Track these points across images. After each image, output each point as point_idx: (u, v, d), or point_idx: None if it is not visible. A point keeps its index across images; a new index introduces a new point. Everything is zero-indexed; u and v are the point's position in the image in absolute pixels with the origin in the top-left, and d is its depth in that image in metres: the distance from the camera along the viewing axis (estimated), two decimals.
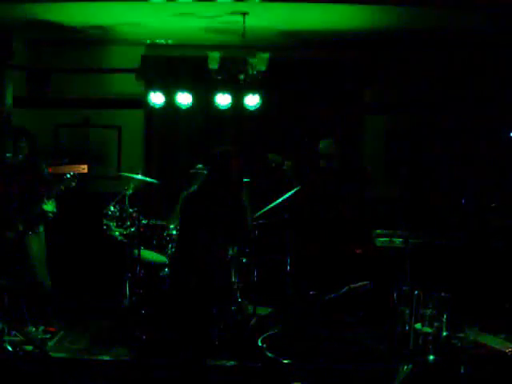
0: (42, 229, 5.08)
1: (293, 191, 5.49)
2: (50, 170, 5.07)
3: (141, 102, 6.69)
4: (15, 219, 4.86)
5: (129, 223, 5.24)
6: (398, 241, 5.13)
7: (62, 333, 5.06)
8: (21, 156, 4.97)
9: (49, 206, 4.93)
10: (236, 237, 4.06)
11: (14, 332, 4.66)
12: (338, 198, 5.70)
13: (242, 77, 5.53)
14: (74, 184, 4.95)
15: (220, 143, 6.77)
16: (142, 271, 5.20)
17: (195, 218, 3.94)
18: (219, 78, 5.55)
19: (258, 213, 5.41)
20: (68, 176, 4.92)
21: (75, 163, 5.10)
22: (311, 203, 5.83)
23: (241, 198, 3.99)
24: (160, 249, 5.27)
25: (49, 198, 4.91)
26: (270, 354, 4.26)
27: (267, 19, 5.53)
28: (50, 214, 4.97)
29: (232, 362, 4.58)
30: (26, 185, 4.93)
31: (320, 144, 5.87)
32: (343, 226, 5.61)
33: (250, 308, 5.33)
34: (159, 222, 5.32)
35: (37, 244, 5.02)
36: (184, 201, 4.10)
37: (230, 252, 5.25)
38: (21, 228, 4.88)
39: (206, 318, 4.00)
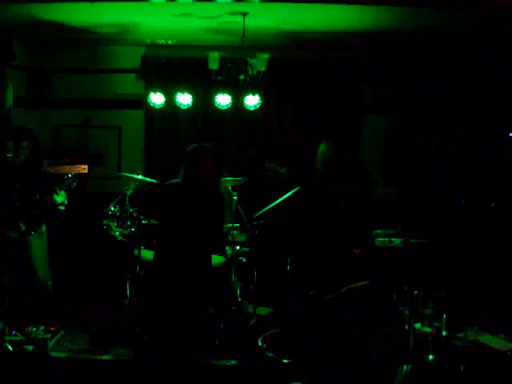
0: (44, 228, 5.08)
1: (292, 191, 5.49)
2: (51, 170, 5.08)
3: (141, 102, 6.69)
4: (17, 219, 4.86)
5: (129, 223, 5.24)
6: (397, 241, 5.12)
7: (62, 332, 5.05)
8: (23, 156, 4.97)
9: (60, 197, 4.93)
10: (211, 231, 4.14)
11: (14, 332, 4.66)
12: (337, 200, 5.70)
13: (241, 77, 5.53)
14: (75, 184, 4.96)
15: (220, 143, 6.84)
16: (142, 271, 5.20)
17: (175, 212, 4.01)
18: (219, 78, 5.56)
19: (258, 213, 5.42)
20: (70, 176, 4.94)
21: (75, 163, 5.10)
22: (310, 204, 5.83)
23: (217, 193, 4.07)
24: None
25: (61, 189, 4.91)
26: (270, 354, 4.27)
27: (267, 19, 5.54)
28: (62, 207, 4.98)
29: (232, 362, 4.59)
30: (28, 184, 4.94)
31: (320, 146, 5.86)
32: (343, 226, 5.61)
33: (250, 308, 5.34)
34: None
35: (39, 244, 5.02)
36: (164, 195, 4.17)
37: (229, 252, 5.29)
38: (23, 228, 4.89)
39: (193, 313, 4.05)
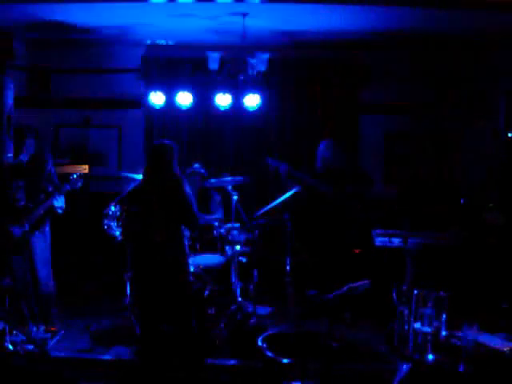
0: (47, 228, 5.09)
1: (292, 191, 5.50)
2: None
3: (141, 102, 6.70)
4: (22, 218, 4.87)
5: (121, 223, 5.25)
6: (397, 241, 5.13)
7: (62, 332, 5.06)
8: (27, 155, 4.96)
9: (59, 202, 4.94)
10: (185, 220, 4.23)
11: (14, 331, 4.67)
12: (336, 200, 5.71)
13: (241, 77, 5.53)
14: (80, 184, 4.97)
15: (220, 143, 6.85)
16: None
17: (143, 212, 4.08)
18: (219, 78, 5.56)
19: (258, 212, 5.42)
20: (75, 176, 4.94)
21: (75, 163, 5.11)
22: (310, 204, 5.84)
23: (181, 186, 4.15)
24: None
25: (60, 194, 4.92)
26: (270, 354, 4.26)
27: (267, 19, 5.54)
28: (60, 210, 4.99)
29: (232, 362, 4.59)
30: (33, 184, 4.94)
31: (320, 146, 5.87)
32: (343, 226, 5.62)
33: (250, 308, 5.35)
34: None
35: (42, 243, 5.02)
36: (130, 197, 4.26)
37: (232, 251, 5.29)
38: (27, 227, 4.89)
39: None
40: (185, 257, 4.33)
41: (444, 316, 3.34)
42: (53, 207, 4.93)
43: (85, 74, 6.88)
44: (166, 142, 4.31)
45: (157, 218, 4.11)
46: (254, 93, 5.89)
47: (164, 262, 4.13)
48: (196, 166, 5.84)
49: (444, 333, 3.34)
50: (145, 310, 4.26)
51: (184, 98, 6.11)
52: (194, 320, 4.36)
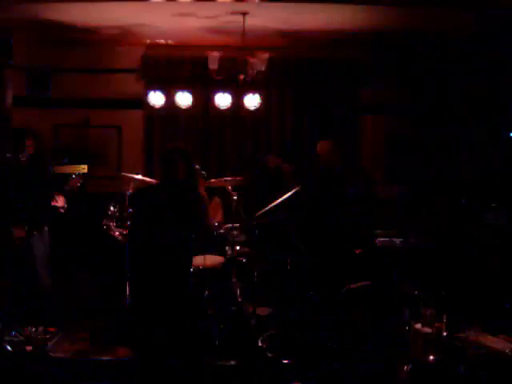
0: (46, 228, 5.08)
1: (293, 191, 5.49)
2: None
3: (141, 102, 6.69)
4: (21, 219, 4.86)
5: (129, 223, 5.24)
6: (397, 241, 5.12)
7: (61, 333, 5.05)
8: (27, 155, 4.95)
9: (59, 202, 4.94)
10: (196, 227, 4.21)
11: (13, 332, 4.66)
12: (337, 200, 5.70)
13: (242, 77, 5.53)
14: (79, 185, 4.96)
15: (220, 143, 6.84)
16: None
17: (154, 214, 4.05)
18: (219, 78, 5.55)
19: (258, 213, 5.41)
20: (73, 177, 4.94)
21: (75, 163, 5.10)
22: (310, 204, 5.83)
23: (196, 190, 4.13)
24: None
25: (58, 195, 4.92)
26: (269, 354, 4.26)
27: (267, 19, 5.53)
28: (62, 210, 4.99)
29: (232, 362, 4.58)
30: (32, 184, 4.93)
31: (318, 145, 5.87)
32: (343, 227, 5.61)
33: (250, 308, 5.34)
34: None
35: (41, 244, 5.02)
36: (139, 199, 4.23)
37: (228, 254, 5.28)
38: (26, 228, 4.88)
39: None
40: (190, 259, 4.29)
41: (444, 316, 3.34)
42: (54, 208, 4.93)
43: (85, 73, 6.87)
44: (181, 144, 4.30)
45: (168, 220, 4.07)
46: (253, 93, 5.88)
47: (171, 264, 4.08)
48: (196, 167, 5.82)
49: (445, 333, 3.34)
50: (146, 311, 4.24)
51: (184, 98, 6.10)
52: (201, 321, 4.33)
